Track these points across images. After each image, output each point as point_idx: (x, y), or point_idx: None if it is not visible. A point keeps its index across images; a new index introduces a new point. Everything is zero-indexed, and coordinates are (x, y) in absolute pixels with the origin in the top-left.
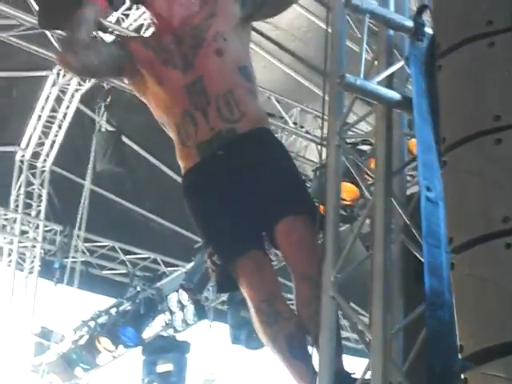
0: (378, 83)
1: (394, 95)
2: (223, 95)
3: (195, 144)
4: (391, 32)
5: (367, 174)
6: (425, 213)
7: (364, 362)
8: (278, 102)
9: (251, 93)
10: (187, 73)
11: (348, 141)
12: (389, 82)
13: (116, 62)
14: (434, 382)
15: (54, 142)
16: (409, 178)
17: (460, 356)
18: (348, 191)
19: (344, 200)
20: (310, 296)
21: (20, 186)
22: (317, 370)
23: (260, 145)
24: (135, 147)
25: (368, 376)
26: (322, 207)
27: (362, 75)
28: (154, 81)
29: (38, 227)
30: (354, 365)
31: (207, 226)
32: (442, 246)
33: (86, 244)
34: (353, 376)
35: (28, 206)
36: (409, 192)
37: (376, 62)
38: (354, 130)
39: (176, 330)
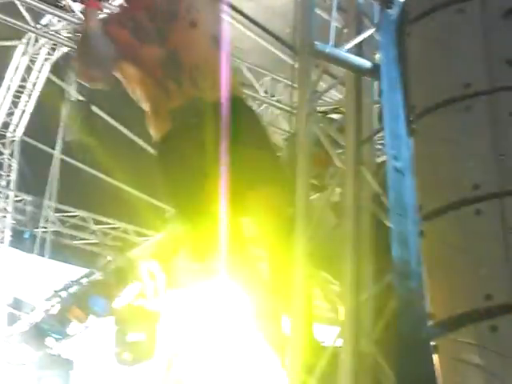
0: (348, 51)
1: (364, 63)
2: (196, 65)
3: (167, 111)
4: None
5: (337, 142)
6: (392, 183)
7: (335, 330)
8: (249, 71)
9: (226, 61)
10: (162, 46)
11: (319, 109)
12: (358, 50)
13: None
14: (403, 350)
15: (23, 111)
16: (380, 147)
17: (430, 323)
18: (318, 160)
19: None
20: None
21: None
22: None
23: (233, 115)
24: (106, 117)
25: (339, 343)
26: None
27: (331, 43)
28: (128, 58)
29: (8, 197)
30: (326, 333)
31: (179, 194)
32: (408, 215)
33: (57, 214)
34: (323, 345)
35: None
36: (379, 160)
37: (345, 30)
38: (325, 98)
39: (147, 300)
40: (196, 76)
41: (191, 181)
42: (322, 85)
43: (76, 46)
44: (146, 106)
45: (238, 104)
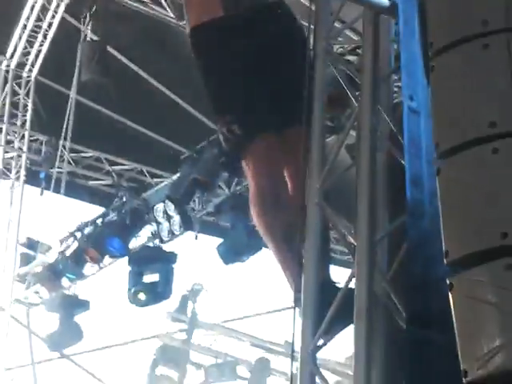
0: None
1: (381, 0)
2: None
3: None
4: None
5: (354, 82)
6: (407, 123)
7: (349, 272)
8: None
9: None
10: None
11: (335, 51)
12: None
13: None
14: (415, 289)
15: (39, 51)
16: (396, 89)
17: (445, 261)
18: (335, 101)
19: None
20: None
21: (5, 96)
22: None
23: (288, 24)
24: (121, 57)
25: (352, 284)
26: None
27: None
28: None
29: (23, 137)
30: (340, 275)
31: (230, 88)
32: (423, 155)
33: (72, 154)
34: (337, 285)
35: (13, 115)
36: (396, 100)
37: None
38: (342, 40)
39: (162, 241)
40: None
41: (247, 79)
42: (338, 25)
43: None
44: None
45: (288, 10)
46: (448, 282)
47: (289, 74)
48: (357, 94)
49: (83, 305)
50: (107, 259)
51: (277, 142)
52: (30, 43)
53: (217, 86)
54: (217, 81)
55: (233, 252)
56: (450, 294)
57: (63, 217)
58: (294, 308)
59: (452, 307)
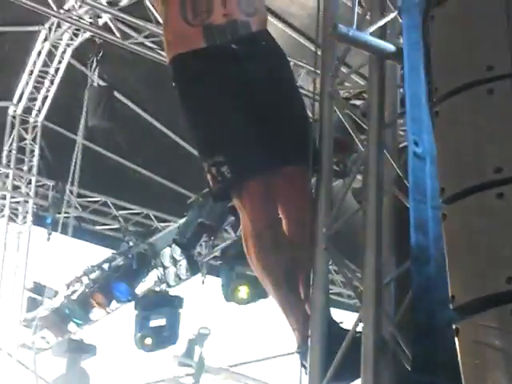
0: (371, 34)
1: (387, 46)
2: None
3: (203, 24)
4: None
5: (360, 126)
6: (412, 168)
7: (356, 316)
8: None
9: None
10: None
11: (342, 95)
12: (382, 33)
13: None
14: (420, 337)
15: (46, 97)
16: (402, 133)
17: (451, 306)
18: (341, 146)
19: (337, 155)
20: (303, 241)
21: (12, 141)
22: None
23: (274, 56)
24: (127, 102)
25: (360, 328)
26: None
27: (354, 26)
28: None
29: (30, 182)
30: (346, 319)
31: (219, 127)
32: (428, 201)
33: (79, 199)
34: (341, 325)
35: (20, 161)
36: (402, 145)
37: (369, 13)
38: (348, 85)
39: (169, 285)
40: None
41: (235, 114)
42: (345, 70)
43: None
44: (171, 6)
45: (273, 41)
46: (454, 327)
47: (283, 107)
48: (363, 138)
49: (90, 350)
50: (114, 304)
51: (272, 180)
52: (37, 88)
53: (202, 123)
54: (202, 117)
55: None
56: (456, 339)
57: (70, 259)
58: (299, 353)
59: (458, 353)
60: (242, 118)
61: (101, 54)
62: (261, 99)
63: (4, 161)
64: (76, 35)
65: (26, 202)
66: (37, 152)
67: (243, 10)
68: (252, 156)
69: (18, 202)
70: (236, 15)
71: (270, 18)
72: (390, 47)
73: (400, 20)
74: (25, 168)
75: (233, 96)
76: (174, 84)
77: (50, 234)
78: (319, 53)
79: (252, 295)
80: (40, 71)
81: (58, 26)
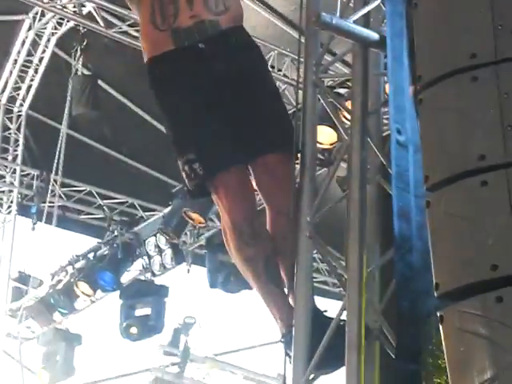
0: (355, 22)
1: (371, 34)
2: None
3: (171, 28)
4: None
5: (344, 116)
6: (395, 156)
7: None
8: None
9: None
10: None
11: (325, 84)
12: (365, 22)
13: None
14: (403, 325)
15: (30, 86)
16: (386, 121)
17: (436, 294)
18: (325, 135)
19: (321, 144)
20: (286, 230)
21: None
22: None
23: (245, 51)
24: (112, 91)
25: (344, 316)
26: None
27: (337, 14)
28: None
29: (14, 172)
30: (331, 308)
31: (190, 127)
32: (411, 190)
33: (63, 189)
34: (325, 314)
35: (5, 150)
36: (386, 133)
37: (352, 1)
38: (332, 72)
39: (154, 274)
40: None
41: (203, 113)
42: (328, 58)
43: None
44: (143, 13)
45: (246, 38)
46: (438, 314)
47: (255, 100)
48: (346, 126)
49: (75, 339)
50: (99, 293)
51: (247, 171)
52: (21, 78)
53: (174, 123)
54: (174, 117)
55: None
56: (440, 326)
57: (55, 249)
58: (283, 342)
59: (443, 340)
60: (211, 115)
61: (85, 43)
62: (231, 94)
63: None
64: (60, 24)
65: (11, 191)
66: (21, 141)
67: (211, 10)
68: (222, 150)
69: (2, 192)
70: (203, 15)
71: (254, 6)
72: (374, 35)
73: (383, 8)
74: (9, 157)
75: (201, 94)
76: (150, 88)
77: (34, 224)
78: (303, 40)
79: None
80: (24, 60)
81: (42, 15)
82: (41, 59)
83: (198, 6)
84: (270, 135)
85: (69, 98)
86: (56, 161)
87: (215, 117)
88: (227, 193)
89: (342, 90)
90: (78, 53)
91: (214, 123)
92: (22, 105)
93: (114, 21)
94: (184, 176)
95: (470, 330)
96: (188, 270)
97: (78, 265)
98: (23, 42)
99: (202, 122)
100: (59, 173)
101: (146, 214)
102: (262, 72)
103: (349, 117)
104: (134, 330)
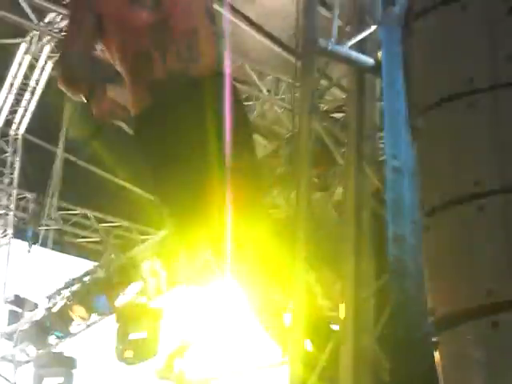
0: (350, 48)
1: (366, 60)
2: (187, 36)
3: (147, 83)
4: None
5: (340, 141)
6: (390, 182)
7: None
8: (252, 71)
9: (214, 34)
10: (155, 11)
11: (321, 109)
12: (361, 47)
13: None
14: (398, 350)
15: (26, 109)
16: (382, 145)
17: (432, 319)
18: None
19: (317, 168)
20: None
21: None
22: None
23: (217, 93)
24: None
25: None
26: None
27: (333, 40)
28: (113, 19)
29: (10, 195)
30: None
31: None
32: (406, 215)
33: (60, 212)
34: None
35: (0, 174)
36: (382, 158)
37: (348, 27)
38: (328, 98)
39: (149, 298)
40: (182, 47)
41: (170, 168)
42: (324, 83)
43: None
44: (125, 76)
45: (221, 81)
46: (434, 339)
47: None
48: (342, 151)
49: (70, 363)
50: (94, 317)
51: None
52: (18, 101)
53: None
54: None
55: None
56: (436, 351)
57: (51, 272)
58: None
59: (439, 365)
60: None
61: None
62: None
63: None
64: (57, 47)
65: (7, 214)
66: (17, 165)
67: (184, 59)
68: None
69: None
70: (176, 66)
71: (252, 31)
72: (370, 61)
73: (379, 34)
74: (5, 181)
75: (167, 144)
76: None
77: (30, 247)
78: (299, 65)
79: None
80: (21, 84)
81: (39, 38)
82: (37, 82)
83: (171, 60)
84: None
85: (65, 122)
86: (52, 184)
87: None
88: None
89: (337, 115)
90: None
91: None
92: (18, 128)
93: None
94: None
95: (466, 355)
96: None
97: (73, 288)
98: (20, 65)
99: (159, 174)
100: (55, 196)
101: (142, 237)
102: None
103: (344, 141)
104: (129, 353)
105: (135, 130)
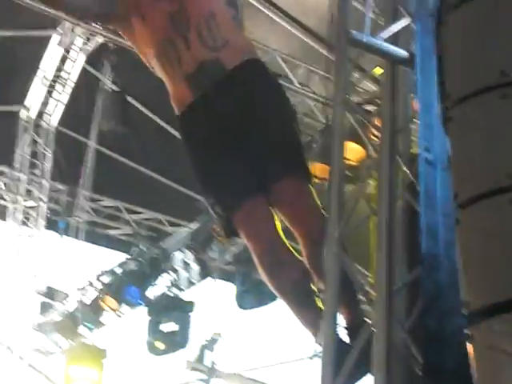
0: (384, 40)
1: (400, 52)
2: (205, 20)
3: (183, 77)
4: None
5: (373, 133)
6: (423, 175)
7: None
8: (285, 62)
9: (234, 19)
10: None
11: (354, 101)
12: (394, 39)
13: (103, 10)
14: (430, 343)
15: (59, 101)
16: (415, 138)
17: (466, 311)
18: (354, 152)
19: (349, 160)
20: (320, 256)
21: (25, 146)
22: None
23: (254, 87)
24: (140, 107)
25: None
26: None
27: (367, 32)
28: (137, 17)
29: (42, 187)
30: None
31: (206, 173)
32: (438, 208)
33: (91, 204)
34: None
35: (33, 165)
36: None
37: (381, 19)
38: (361, 90)
39: (180, 289)
40: (203, 32)
41: (215, 159)
42: (357, 76)
43: None
44: (160, 73)
45: (257, 71)
46: (468, 332)
47: (266, 130)
48: (375, 143)
49: (101, 354)
50: (125, 308)
51: (264, 200)
52: (50, 93)
53: (195, 172)
54: (194, 167)
55: (250, 298)
56: (470, 344)
57: (83, 264)
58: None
59: (472, 358)
60: (220, 157)
61: (114, 59)
62: (243, 131)
63: (17, 165)
64: (89, 40)
65: (39, 206)
66: (50, 156)
67: (209, 47)
68: (235, 187)
69: (31, 207)
70: (202, 55)
71: (283, 23)
72: (403, 53)
73: (413, 25)
74: (38, 172)
75: (214, 139)
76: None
77: (62, 238)
78: (332, 58)
79: None
80: (53, 76)
81: (72, 30)
82: (69, 74)
83: (195, 46)
84: (279, 161)
85: (97, 114)
86: (84, 176)
87: (227, 158)
88: (244, 229)
89: (370, 107)
90: (107, 68)
91: (226, 164)
92: (50, 120)
93: None
94: (215, 217)
95: (500, 348)
96: (214, 286)
97: (105, 280)
98: (52, 58)
99: (215, 167)
100: (87, 188)
101: (173, 228)
102: (274, 101)
103: (378, 134)
104: (159, 344)
105: (183, 129)
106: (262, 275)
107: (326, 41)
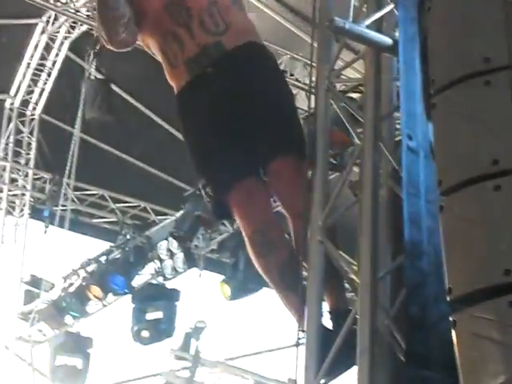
0: (367, 27)
1: (383, 39)
2: (206, 8)
3: (183, 61)
4: None
5: (357, 120)
6: (405, 162)
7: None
8: None
9: (235, 3)
10: None
11: (338, 88)
12: (378, 26)
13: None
14: (413, 330)
15: (43, 89)
16: (399, 126)
17: (449, 298)
18: (338, 139)
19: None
20: (305, 232)
21: (9, 134)
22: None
23: (253, 65)
24: (124, 95)
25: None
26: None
27: (350, 19)
28: (137, 11)
29: (27, 175)
30: None
31: (201, 151)
32: (421, 195)
33: (76, 192)
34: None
35: (17, 154)
36: (398, 138)
37: (365, 6)
38: (344, 77)
39: (166, 278)
40: (206, 19)
41: (210, 138)
42: (341, 63)
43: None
44: (161, 59)
45: (256, 53)
46: (451, 319)
47: (266, 109)
48: (359, 131)
49: (86, 342)
50: (110, 297)
51: (258, 180)
52: (34, 81)
53: (191, 152)
54: (189, 146)
55: (236, 289)
56: (453, 331)
57: (67, 252)
58: (297, 346)
59: (455, 344)
60: (216, 134)
61: (98, 47)
62: (242, 110)
63: (1, 154)
64: (73, 28)
65: (23, 194)
66: (34, 145)
67: (212, 32)
68: (229, 170)
69: (15, 195)
70: (205, 40)
71: (267, 11)
72: (387, 40)
73: (396, 12)
74: (22, 161)
75: (212, 117)
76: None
77: (47, 227)
78: (315, 45)
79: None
80: (37, 64)
81: (56, 18)
82: (54, 63)
83: (198, 34)
84: (278, 139)
85: (82, 102)
86: (69, 164)
87: (225, 136)
88: (237, 209)
89: (354, 95)
90: (91, 57)
91: (222, 142)
92: (34, 108)
93: None
94: (206, 199)
95: (483, 335)
96: (200, 274)
97: (89, 268)
98: (36, 46)
99: (206, 145)
100: (72, 176)
101: (158, 217)
102: (274, 81)
103: (361, 121)
104: (145, 333)
105: (179, 106)
106: (251, 254)
107: (309, 20)
